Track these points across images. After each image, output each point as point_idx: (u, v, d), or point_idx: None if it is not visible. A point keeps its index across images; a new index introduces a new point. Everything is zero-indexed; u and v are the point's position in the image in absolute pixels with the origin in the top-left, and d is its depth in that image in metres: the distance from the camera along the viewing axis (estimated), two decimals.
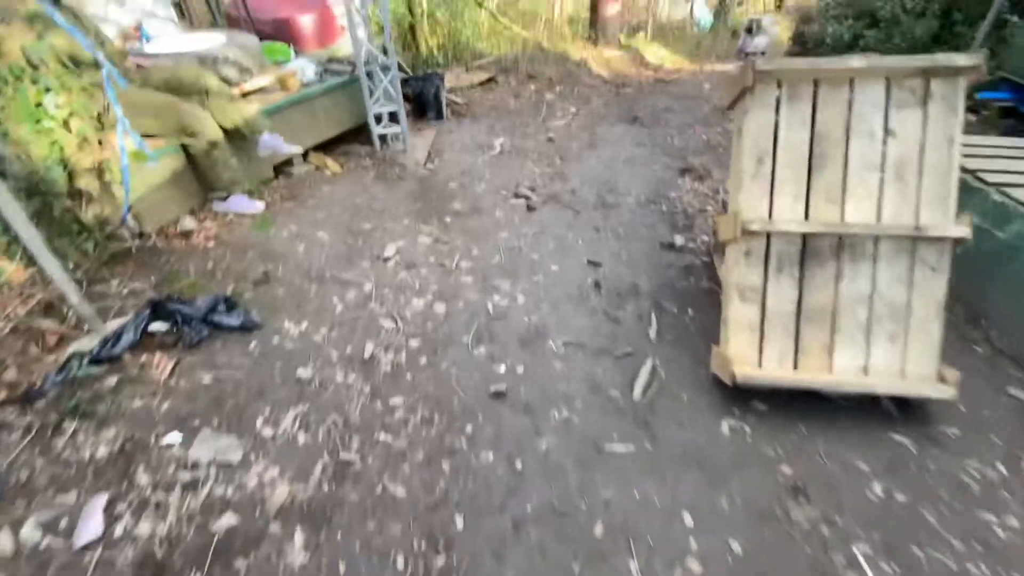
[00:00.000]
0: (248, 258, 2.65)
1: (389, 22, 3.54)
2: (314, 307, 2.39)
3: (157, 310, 2.09)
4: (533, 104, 5.77)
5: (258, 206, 3.07)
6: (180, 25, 3.90)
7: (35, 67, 2.16)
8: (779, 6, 13.23)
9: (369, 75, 3.86)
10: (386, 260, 2.78)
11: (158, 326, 2.07)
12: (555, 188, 3.83)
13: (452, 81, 5.75)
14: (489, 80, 6.14)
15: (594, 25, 8.86)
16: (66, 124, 2.20)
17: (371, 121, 3.96)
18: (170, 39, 3.17)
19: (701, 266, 2.82)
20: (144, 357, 1.99)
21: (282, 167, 3.59)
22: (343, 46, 4.94)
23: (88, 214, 2.27)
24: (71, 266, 2.17)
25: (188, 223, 2.76)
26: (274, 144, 3.03)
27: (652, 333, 2.33)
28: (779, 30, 9.62)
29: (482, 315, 2.42)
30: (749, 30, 9.03)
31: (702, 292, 2.61)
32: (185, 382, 1.95)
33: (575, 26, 9.22)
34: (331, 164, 3.74)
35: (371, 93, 3.86)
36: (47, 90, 2.13)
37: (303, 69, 3.69)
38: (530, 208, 3.50)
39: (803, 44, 7.88)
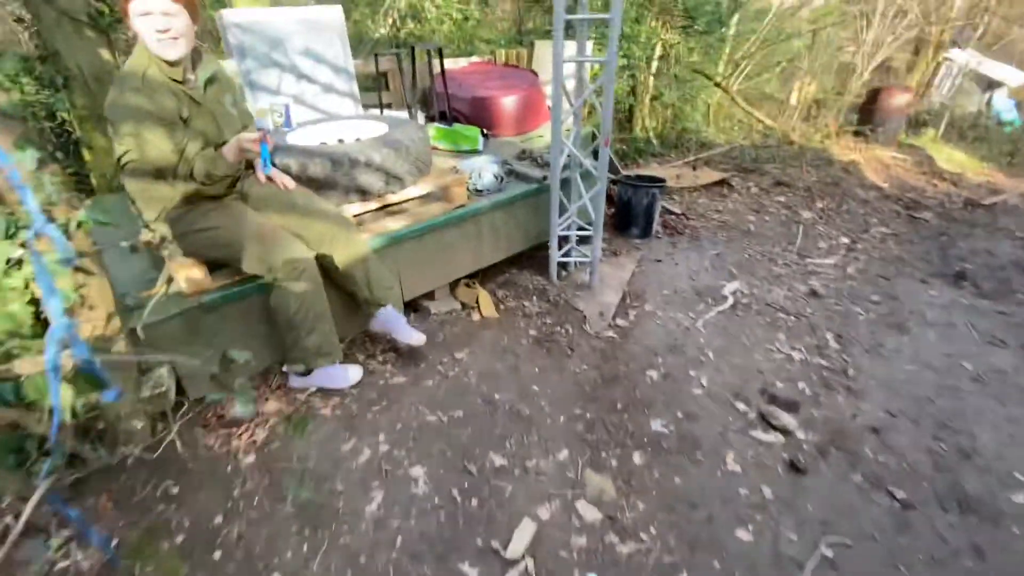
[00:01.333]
0: (281, 515, 1.57)
1: (611, 116, 2.35)
2: None
3: None
4: (782, 224, 4.09)
5: (353, 376, 2.04)
6: (360, 104, 3.30)
7: None
8: None
9: (564, 182, 2.73)
10: (508, 565, 1.46)
11: None
12: (836, 411, 2.16)
13: (669, 178, 4.41)
14: (720, 183, 4.65)
15: (868, 116, 6.79)
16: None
17: (552, 246, 2.80)
18: (314, 128, 2.43)
19: None
20: None
21: (420, 302, 2.60)
22: (549, 132, 3.98)
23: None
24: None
25: (241, 406, 1.83)
26: None
27: None
28: None
29: None
30: None
31: None
32: None
33: (827, 113, 7.23)
34: (484, 302, 2.64)
35: (562, 208, 2.71)
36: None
37: (479, 172, 2.71)
38: (796, 467, 1.89)
39: None
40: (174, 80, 1.65)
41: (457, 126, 3.56)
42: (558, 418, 2.01)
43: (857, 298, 3.10)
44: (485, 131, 3.65)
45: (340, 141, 2.52)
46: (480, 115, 3.85)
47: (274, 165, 2.02)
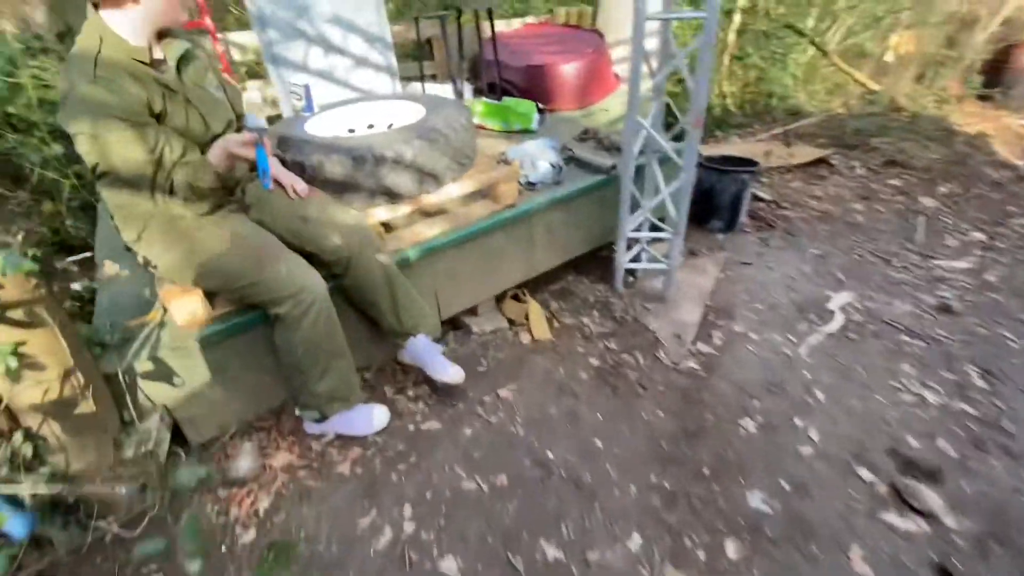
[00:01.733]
0: None
1: (707, 90, 1.80)
2: None
3: None
4: (897, 215, 3.38)
5: (378, 421, 1.70)
6: (398, 78, 2.87)
7: None
8: None
9: (637, 172, 2.23)
10: None
11: None
12: (993, 482, 1.63)
13: (756, 156, 3.75)
14: (818, 161, 3.93)
15: (996, 77, 5.68)
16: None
17: (619, 249, 2.32)
18: (339, 112, 2.04)
19: None
20: None
21: (461, 318, 2.21)
22: (616, 104, 3.43)
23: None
24: None
25: (243, 463, 1.52)
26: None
27: None
28: None
29: None
30: None
31: None
32: None
33: (945, 73, 6.09)
34: (535, 320, 2.22)
35: (634, 204, 2.22)
36: None
37: (532, 161, 2.25)
38: (947, 575, 1.40)
39: None
40: (139, 62, 1.29)
41: (508, 101, 3.09)
42: (628, 488, 1.58)
43: (1004, 317, 2.45)
44: (541, 106, 3.16)
45: (370, 127, 2.13)
46: (535, 86, 3.35)
47: (284, 164, 1.66)
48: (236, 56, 2.88)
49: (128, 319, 1.65)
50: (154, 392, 1.51)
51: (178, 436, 1.62)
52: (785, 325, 2.33)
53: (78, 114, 1.19)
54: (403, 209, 1.83)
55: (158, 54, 1.33)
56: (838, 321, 2.40)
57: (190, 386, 1.55)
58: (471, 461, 1.63)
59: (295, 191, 1.56)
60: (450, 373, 1.75)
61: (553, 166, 2.30)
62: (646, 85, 2.02)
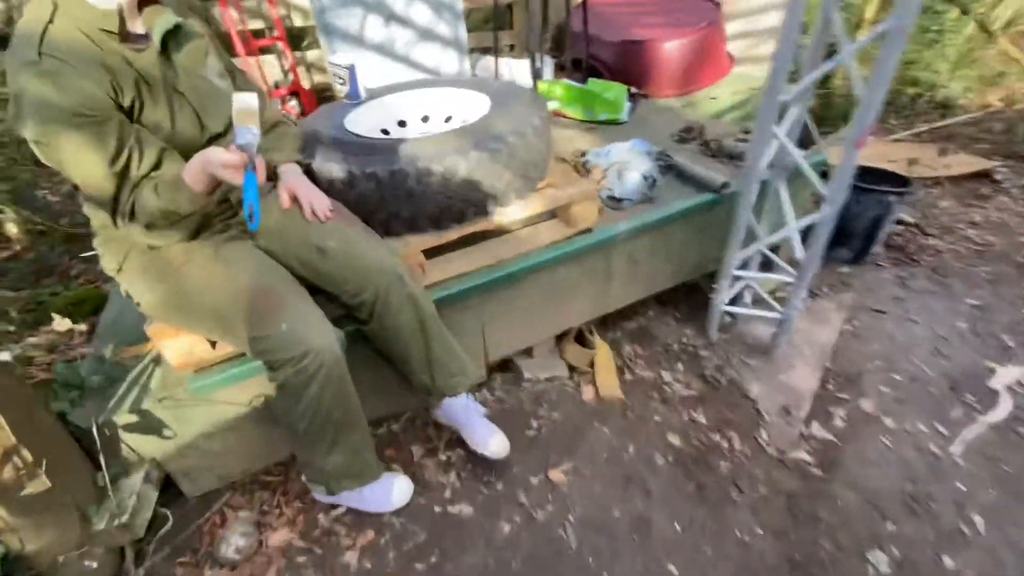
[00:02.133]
0: None
1: (886, 88, 1.26)
2: None
3: None
4: None
5: (399, 497, 1.38)
6: (466, 54, 2.44)
7: None
8: None
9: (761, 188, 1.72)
10: None
11: None
12: None
13: (898, 162, 3.01)
14: (978, 175, 3.13)
15: None
16: None
17: (720, 288, 1.84)
18: (388, 102, 1.67)
19: None
20: None
21: (512, 358, 1.84)
22: (725, 92, 2.85)
23: None
24: None
25: (237, 539, 1.25)
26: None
27: None
28: None
29: None
30: None
31: None
32: None
33: None
34: (603, 371, 1.80)
35: (748, 230, 1.72)
36: None
37: (619, 171, 1.79)
38: None
39: None
40: (107, 33, 0.96)
41: (594, 83, 2.60)
42: None
43: None
44: (633, 90, 2.65)
45: (424, 120, 1.76)
46: (629, 66, 2.82)
47: (309, 174, 1.32)
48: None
49: (130, 343, 1.42)
50: (141, 444, 1.26)
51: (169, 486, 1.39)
52: (932, 408, 1.78)
53: (24, 115, 0.90)
54: (450, 235, 1.46)
55: (138, 27, 1.00)
56: (1005, 407, 1.81)
57: (183, 438, 1.30)
58: (505, 573, 1.28)
59: (313, 211, 1.23)
60: (491, 447, 1.40)
61: (645, 178, 1.83)
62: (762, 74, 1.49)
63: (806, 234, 1.61)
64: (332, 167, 1.33)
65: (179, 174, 0.96)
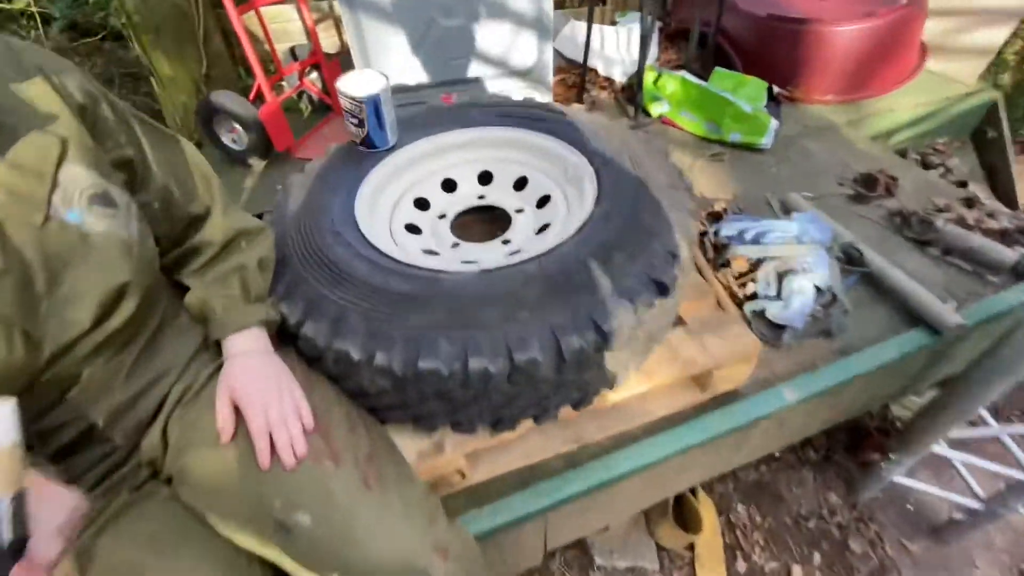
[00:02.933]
0: None
1: None
2: None
3: None
4: None
5: None
6: (551, 40, 1.67)
7: None
8: None
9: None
10: None
11: None
12: None
13: None
14: None
15: None
16: None
17: (901, 463, 1.22)
18: (422, 154, 1.04)
19: None
20: None
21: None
22: (906, 103, 2.02)
23: None
24: None
25: None
26: None
27: None
28: None
29: None
30: None
31: None
32: None
33: None
34: (708, 560, 1.25)
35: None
36: None
37: (779, 276, 1.13)
38: None
39: None
40: None
41: (720, 75, 1.88)
42: None
43: None
44: (775, 89, 1.90)
45: (484, 182, 1.14)
46: (775, 53, 2.01)
47: (287, 334, 0.76)
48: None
49: None
50: None
51: None
52: None
53: None
54: (509, 436, 0.88)
55: None
56: None
57: None
58: None
59: (274, 447, 0.67)
60: None
61: (821, 292, 1.16)
62: None
63: None
64: (339, 347, 0.73)
65: None
